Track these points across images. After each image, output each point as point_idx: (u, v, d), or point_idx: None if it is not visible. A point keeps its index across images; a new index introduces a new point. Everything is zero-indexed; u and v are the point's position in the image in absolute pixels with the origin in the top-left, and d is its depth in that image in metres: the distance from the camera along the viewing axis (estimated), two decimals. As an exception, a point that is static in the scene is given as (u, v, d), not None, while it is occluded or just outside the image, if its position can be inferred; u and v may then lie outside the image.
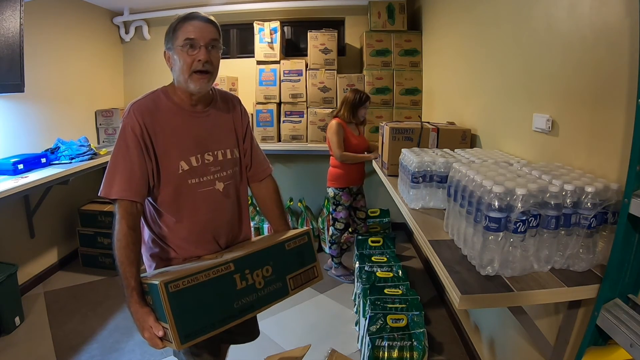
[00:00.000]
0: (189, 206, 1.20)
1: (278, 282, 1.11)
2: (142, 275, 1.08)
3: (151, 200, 1.21)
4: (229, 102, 1.34)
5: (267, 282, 1.08)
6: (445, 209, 1.31)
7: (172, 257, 1.24)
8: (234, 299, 1.02)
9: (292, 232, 1.22)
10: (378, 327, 1.85)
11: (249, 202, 1.43)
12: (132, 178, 1.11)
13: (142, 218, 1.21)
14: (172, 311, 0.92)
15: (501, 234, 0.97)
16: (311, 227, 3.45)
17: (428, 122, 2.21)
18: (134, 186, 1.11)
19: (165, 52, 1.19)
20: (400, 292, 2.12)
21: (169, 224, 1.21)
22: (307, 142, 3.46)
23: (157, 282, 0.92)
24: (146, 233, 1.26)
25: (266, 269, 1.09)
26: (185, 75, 1.14)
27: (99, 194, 1.13)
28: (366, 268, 2.47)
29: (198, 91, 1.17)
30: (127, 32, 3.75)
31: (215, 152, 1.24)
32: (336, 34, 3.40)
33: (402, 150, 1.77)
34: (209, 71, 1.15)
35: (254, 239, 1.41)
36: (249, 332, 1.45)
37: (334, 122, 2.71)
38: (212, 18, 1.18)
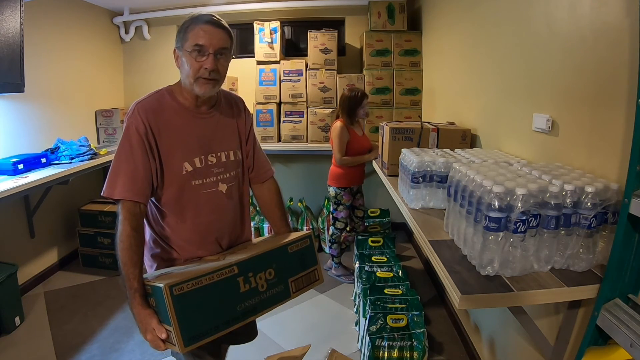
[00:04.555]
0: (192, 207, 1.20)
1: (280, 285, 1.11)
2: (143, 276, 1.07)
3: (154, 201, 1.21)
4: (233, 103, 1.33)
5: (269, 285, 1.09)
6: (445, 209, 1.31)
7: (174, 257, 1.23)
8: (237, 301, 1.02)
9: (294, 235, 1.22)
10: (378, 327, 1.85)
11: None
12: (135, 178, 1.10)
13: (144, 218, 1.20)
14: (176, 314, 0.92)
15: (501, 234, 0.97)
16: (311, 227, 3.45)
17: (428, 122, 2.21)
18: (138, 187, 1.10)
19: (175, 50, 1.17)
20: (400, 292, 2.12)
21: (171, 224, 1.21)
22: (307, 142, 3.46)
23: (161, 285, 0.92)
24: (148, 233, 1.26)
25: (269, 272, 1.09)
26: (191, 79, 1.13)
27: (101, 194, 1.12)
28: (366, 268, 2.47)
29: (203, 95, 1.16)
30: (127, 32, 3.75)
31: (219, 154, 1.24)
32: (336, 34, 3.40)
33: (402, 150, 1.77)
34: (215, 78, 1.14)
35: (254, 240, 1.41)
36: (248, 333, 1.45)
37: (338, 125, 2.70)
38: (224, 23, 1.15)
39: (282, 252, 1.15)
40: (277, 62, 3.45)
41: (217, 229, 1.26)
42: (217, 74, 1.14)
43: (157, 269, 1.25)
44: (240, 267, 1.04)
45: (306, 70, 3.43)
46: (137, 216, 1.11)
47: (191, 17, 1.14)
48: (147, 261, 1.27)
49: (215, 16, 1.14)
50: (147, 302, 1.02)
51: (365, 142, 2.79)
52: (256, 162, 1.38)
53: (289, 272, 1.14)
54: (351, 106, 2.70)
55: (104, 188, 1.12)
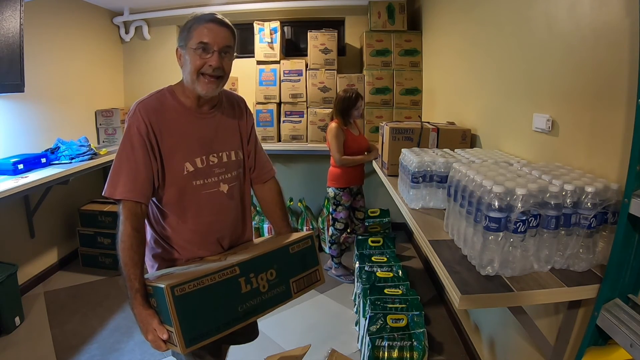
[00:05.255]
0: (193, 207, 1.20)
1: (281, 286, 1.11)
2: (145, 276, 1.07)
3: (155, 201, 1.21)
4: (235, 103, 1.33)
5: (271, 286, 1.09)
6: (445, 209, 1.31)
7: (175, 257, 1.23)
8: (238, 302, 1.02)
9: (295, 236, 1.22)
10: (378, 327, 1.85)
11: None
12: (137, 178, 1.10)
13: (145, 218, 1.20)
14: (177, 315, 0.92)
15: (501, 234, 0.97)
16: (311, 227, 3.45)
17: (428, 122, 2.21)
18: (139, 187, 1.10)
19: (177, 49, 1.17)
20: (400, 292, 2.12)
21: (172, 224, 1.21)
22: (307, 142, 3.46)
23: (162, 286, 0.92)
24: (149, 233, 1.26)
25: (270, 273, 1.09)
26: (194, 77, 1.12)
27: (102, 194, 1.12)
28: (366, 268, 2.47)
29: (205, 95, 1.16)
30: (127, 32, 3.75)
31: (220, 154, 1.24)
32: (336, 34, 3.40)
33: (402, 150, 1.77)
34: (220, 76, 1.14)
35: (255, 240, 1.41)
36: (249, 333, 1.45)
37: (333, 125, 2.70)
38: (228, 22, 1.16)
39: (283, 252, 1.15)
40: (277, 62, 3.45)
41: (218, 230, 1.25)
42: (222, 72, 1.14)
43: (158, 269, 1.24)
44: (241, 267, 1.03)
45: (306, 70, 3.43)
46: (138, 216, 1.11)
47: (195, 16, 1.14)
48: (148, 261, 1.27)
49: (219, 15, 1.15)
50: (148, 303, 1.02)
51: (362, 141, 2.79)
52: (257, 163, 1.38)
53: (290, 273, 1.14)
54: (345, 107, 2.69)
55: (105, 188, 1.12)
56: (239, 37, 3.75)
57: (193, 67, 1.11)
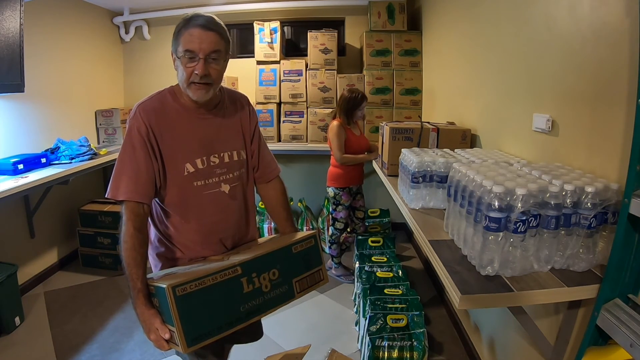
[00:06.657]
0: (195, 208, 1.20)
1: (284, 286, 1.11)
2: (148, 276, 1.07)
3: (158, 201, 1.21)
4: (237, 102, 1.32)
5: (273, 286, 1.08)
6: (445, 209, 1.31)
7: (178, 257, 1.24)
8: (240, 302, 1.02)
9: (299, 235, 1.22)
10: (378, 327, 1.85)
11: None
12: (138, 179, 1.11)
13: (149, 217, 1.20)
14: (179, 314, 0.92)
15: (501, 234, 0.97)
16: (311, 227, 3.45)
17: (428, 122, 2.21)
18: (141, 187, 1.11)
19: (172, 52, 1.17)
20: (400, 292, 2.12)
21: (176, 224, 1.21)
22: (307, 142, 3.46)
23: (164, 286, 0.92)
24: (152, 232, 1.26)
25: (273, 273, 1.09)
26: (184, 84, 1.13)
27: (105, 195, 1.13)
28: (366, 268, 2.47)
29: (197, 99, 1.15)
30: (127, 32, 3.75)
31: (222, 154, 1.23)
32: (336, 34, 3.40)
33: (402, 150, 1.77)
34: (208, 83, 1.13)
35: (259, 240, 1.41)
36: (253, 333, 1.45)
37: (335, 124, 2.70)
38: (215, 25, 1.11)
39: (286, 252, 1.14)
40: (277, 62, 3.45)
41: (222, 230, 1.25)
42: (209, 79, 1.12)
43: (161, 268, 1.25)
44: (243, 267, 1.03)
45: (306, 70, 3.43)
46: (141, 217, 1.11)
47: (183, 20, 1.12)
48: (152, 260, 1.27)
49: (207, 17, 1.11)
50: (151, 302, 1.02)
51: (362, 141, 2.79)
52: (261, 162, 1.37)
53: (293, 273, 1.14)
54: (349, 107, 2.69)
55: (108, 189, 1.12)
56: (239, 37, 3.78)
57: (183, 75, 1.11)
